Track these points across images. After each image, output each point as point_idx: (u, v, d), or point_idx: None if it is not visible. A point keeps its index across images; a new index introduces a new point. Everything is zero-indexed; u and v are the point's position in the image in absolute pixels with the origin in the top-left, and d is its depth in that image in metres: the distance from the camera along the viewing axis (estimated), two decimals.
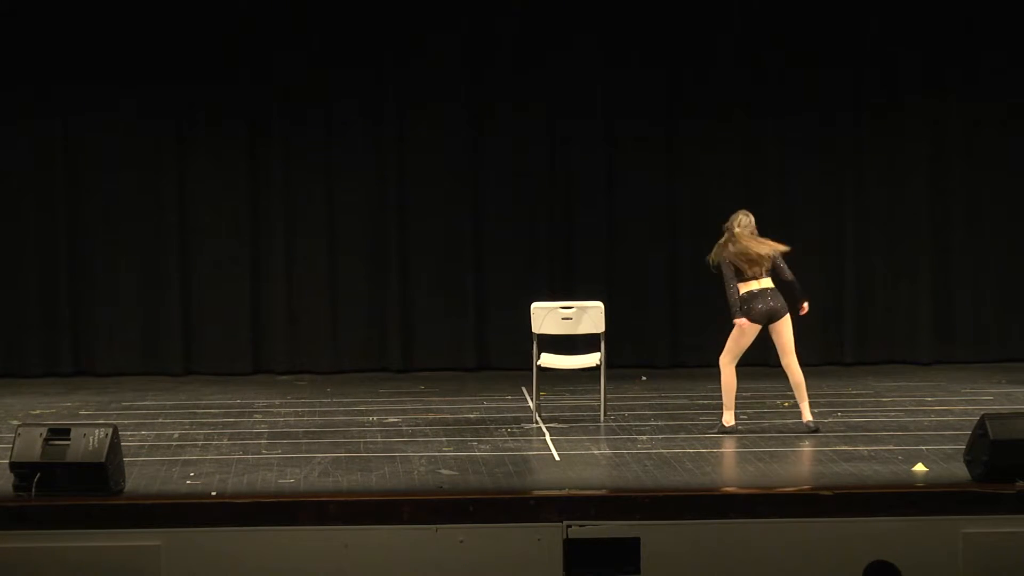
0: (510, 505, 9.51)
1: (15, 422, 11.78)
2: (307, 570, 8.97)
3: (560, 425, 12.33)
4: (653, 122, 15.91)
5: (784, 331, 11.78)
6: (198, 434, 12.22)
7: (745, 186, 15.84)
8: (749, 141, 15.98)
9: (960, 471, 10.03)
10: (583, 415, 12.71)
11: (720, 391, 11.91)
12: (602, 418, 12.50)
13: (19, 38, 15.48)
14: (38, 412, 13.22)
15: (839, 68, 15.90)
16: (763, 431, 12.03)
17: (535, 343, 12.56)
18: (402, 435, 12.11)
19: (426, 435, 12.07)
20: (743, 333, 11.76)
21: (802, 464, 10.80)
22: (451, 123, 15.83)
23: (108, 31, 15.50)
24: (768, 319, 11.76)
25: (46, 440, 9.58)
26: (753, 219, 11.88)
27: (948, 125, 16.04)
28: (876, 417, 12.22)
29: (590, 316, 12.49)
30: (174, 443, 11.82)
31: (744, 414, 12.79)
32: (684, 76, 15.90)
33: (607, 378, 12.62)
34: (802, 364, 11.92)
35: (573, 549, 9.20)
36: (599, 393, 12.59)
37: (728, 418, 11.87)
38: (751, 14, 15.87)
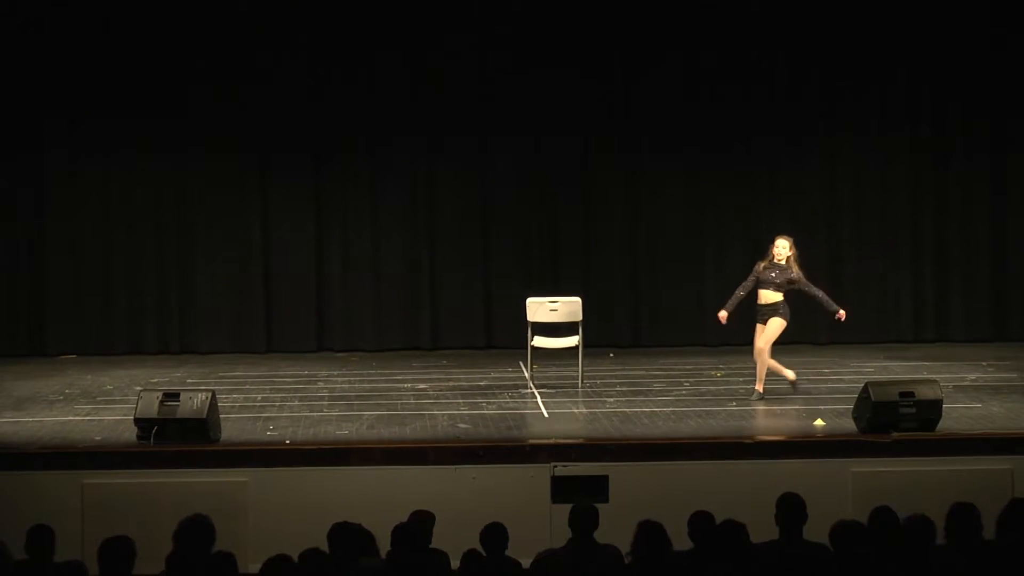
0: (510, 451, 9.59)
1: (138, 388, 11.81)
2: (357, 499, 8.95)
3: (548, 390, 12.32)
4: (620, 157, 15.64)
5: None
6: (276, 397, 12.23)
7: (682, 213, 15.65)
8: (691, 173, 15.67)
9: (849, 425, 10.10)
10: (566, 383, 12.66)
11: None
12: (580, 385, 12.46)
13: (123, 81, 15.20)
14: (155, 380, 13.22)
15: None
16: (700, 395, 12.04)
17: (529, 328, 12.54)
18: (429, 398, 12.10)
19: (447, 398, 12.05)
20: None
21: (730, 420, 10.83)
22: (465, 159, 15.65)
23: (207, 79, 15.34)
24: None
25: (161, 401, 9.67)
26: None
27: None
28: (785, 384, 12.06)
29: (571, 308, 12.48)
30: (257, 404, 11.85)
31: (687, 381, 12.80)
32: (648, 110, 15.54)
33: (584, 355, 12.58)
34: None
35: (558, 483, 9.26)
36: (578, 367, 12.55)
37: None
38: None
